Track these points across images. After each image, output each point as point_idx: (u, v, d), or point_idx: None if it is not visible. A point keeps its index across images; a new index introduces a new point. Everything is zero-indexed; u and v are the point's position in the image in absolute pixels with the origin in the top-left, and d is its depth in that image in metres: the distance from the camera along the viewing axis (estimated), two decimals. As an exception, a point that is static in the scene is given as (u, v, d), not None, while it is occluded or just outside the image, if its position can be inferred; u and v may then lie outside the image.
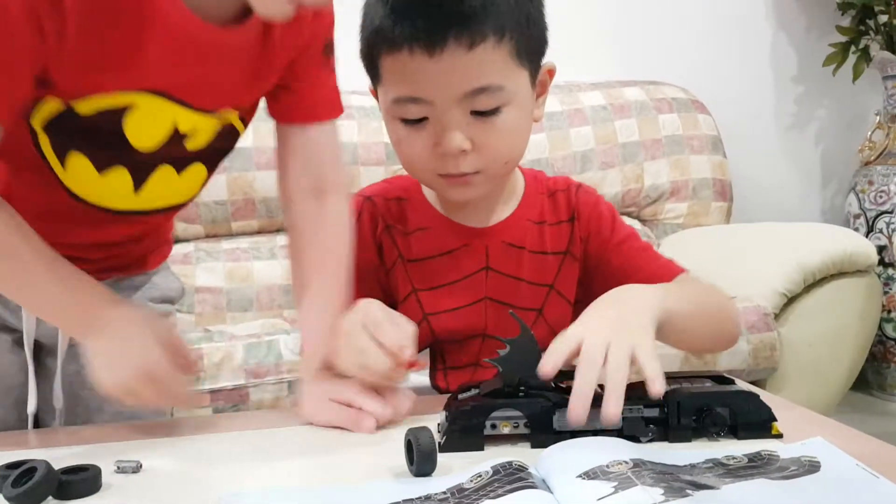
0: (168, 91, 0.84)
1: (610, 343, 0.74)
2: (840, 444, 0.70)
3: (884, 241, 2.57)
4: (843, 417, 0.92)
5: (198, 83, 0.85)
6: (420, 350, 1.01)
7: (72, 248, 0.93)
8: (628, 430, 0.74)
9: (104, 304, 0.85)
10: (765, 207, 2.78)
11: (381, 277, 1.02)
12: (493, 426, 0.76)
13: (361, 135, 2.31)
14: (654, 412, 0.75)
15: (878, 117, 2.71)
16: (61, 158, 0.86)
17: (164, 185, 0.91)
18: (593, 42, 2.72)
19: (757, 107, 2.90)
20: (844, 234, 2.11)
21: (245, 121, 0.95)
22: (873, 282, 2.08)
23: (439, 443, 0.74)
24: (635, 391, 0.74)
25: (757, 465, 0.67)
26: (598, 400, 0.73)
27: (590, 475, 0.62)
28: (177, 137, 0.87)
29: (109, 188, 0.88)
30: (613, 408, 0.71)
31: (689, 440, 0.75)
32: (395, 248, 1.02)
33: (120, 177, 0.88)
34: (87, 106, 0.82)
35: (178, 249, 2.10)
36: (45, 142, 0.85)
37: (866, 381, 2.67)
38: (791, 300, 1.99)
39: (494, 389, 0.78)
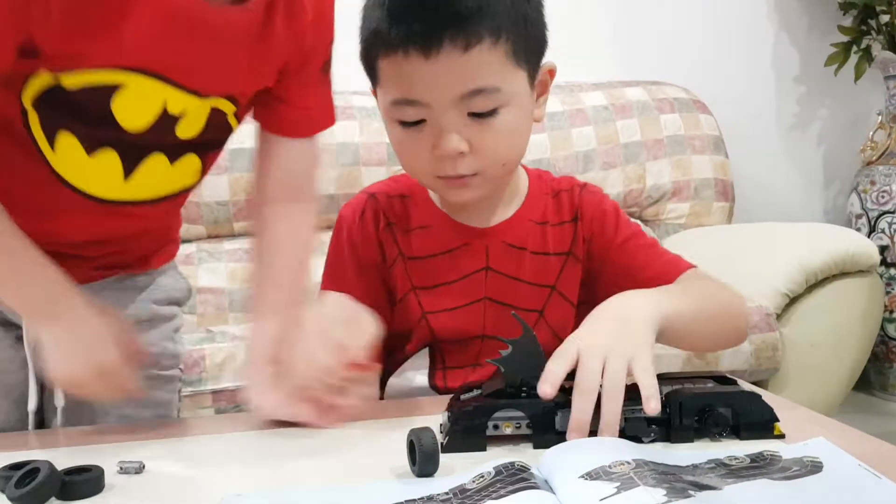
0: (157, 70, 0.83)
1: (607, 357, 0.74)
2: (842, 445, 0.70)
3: (886, 241, 2.57)
4: (846, 418, 0.92)
5: (188, 62, 0.84)
6: (419, 350, 1.01)
7: (67, 247, 0.93)
8: (630, 431, 0.74)
9: (65, 291, 0.85)
10: (767, 207, 2.78)
11: (383, 274, 1.02)
12: (496, 427, 0.76)
13: (363, 135, 2.31)
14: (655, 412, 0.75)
15: (880, 117, 2.71)
16: (50, 139, 0.85)
17: (155, 175, 0.90)
18: (595, 42, 2.72)
19: (759, 107, 2.90)
20: (846, 235, 2.11)
21: (238, 117, 0.94)
22: (875, 282, 2.08)
23: (441, 443, 0.75)
24: (637, 391, 0.74)
25: (759, 466, 0.67)
26: (598, 401, 0.73)
27: (592, 476, 0.62)
28: (167, 119, 0.86)
29: (99, 172, 0.88)
30: (610, 428, 0.72)
31: (692, 440, 0.75)
32: (395, 246, 1.02)
33: (109, 160, 0.87)
34: (76, 80, 0.81)
35: (180, 250, 2.10)
36: (34, 120, 0.84)
37: (868, 381, 2.66)
38: (793, 300, 1.99)
39: (496, 390, 0.78)
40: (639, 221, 2.53)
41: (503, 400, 0.77)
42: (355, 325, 0.82)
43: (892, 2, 2.62)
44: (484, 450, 0.75)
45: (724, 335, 0.98)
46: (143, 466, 0.74)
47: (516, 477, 0.63)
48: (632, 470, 0.62)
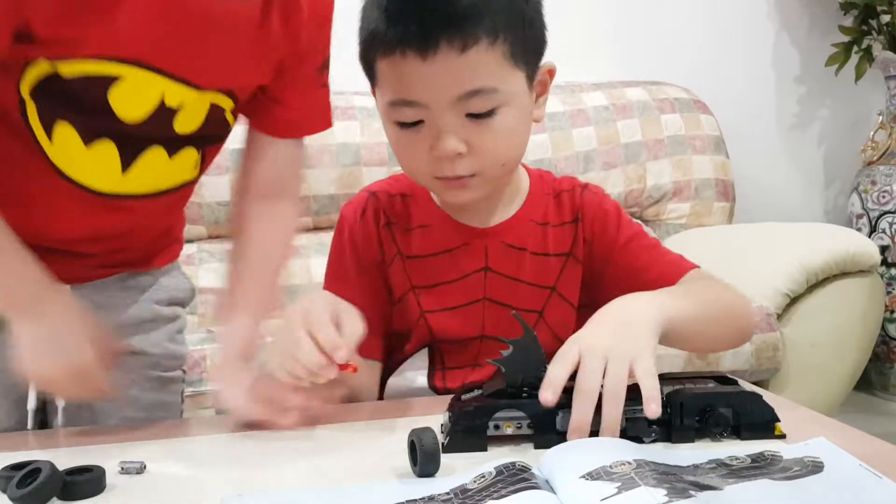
0: (154, 63, 0.83)
1: (609, 359, 0.74)
2: (843, 445, 0.70)
3: (887, 241, 2.57)
4: (846, 418, 0.92)
5: (185, 53, 0.84)
6: (418, 350, 1.01)
7: (67, 244, 0.93)
8: (631, 431, 0.74)
9: (47, 289, 0.85)
10: (767, 207, 2.78)
11: (384, 273, 1.02)
12: (497, 427, 0.76)
13: (364, 135, 2.31)
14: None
15: (880, 117, 2.71)
16: (48, 130, 0.85)
17: (154, 168, 0.90)
18: (595, 42, 2.73)
19: (759, 107, 2.90)
20: (847, 235, 2.11)
21: (235, 115, 0.95)
22: (876, 282, 2.08)
23: (443, 443, 0.75)
24: (639, 391, 0.74)
25: (760, 466, 0.67)
26: (599, 401, 0.73)
27: (593, 476, 0.62)
28: (164, 112, 0.86)
29: (96, 164, 0.87)
30: (610, 430, 0.72)
31: (692, 440, 0.75)
32: (394, 245, 1.02)
33: (107, 152, 0.87)
34: (72, 68, 0.81)
35: (187, 253, 2.10)
36: (32, 111, 0.84)
37: (869, 381, 2.66)
38: (794, 300, 1.99)
39: (497, 390, 0.78)
40: (639, 221, 2.53)
41: (504, 400, 0.77)
42: (344, 322, 0.81)
43: (892, 2, 2.62)
44: (485, 450, 0.75)
45: (729, 336, 0.98)
46: (145, 467, 0.74)
47: (517, 477, 0.63)
48: (633, 470, 0.62)
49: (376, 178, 1.89)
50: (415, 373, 1.01)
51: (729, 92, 2.76)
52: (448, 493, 0.64)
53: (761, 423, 0.76)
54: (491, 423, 0.76)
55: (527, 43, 0.91)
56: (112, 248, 0.98)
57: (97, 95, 0.83)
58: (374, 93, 0.96)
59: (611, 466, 0.63)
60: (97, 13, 0.78)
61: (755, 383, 1.02)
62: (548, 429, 0.75)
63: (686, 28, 2.80)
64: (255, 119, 0.98)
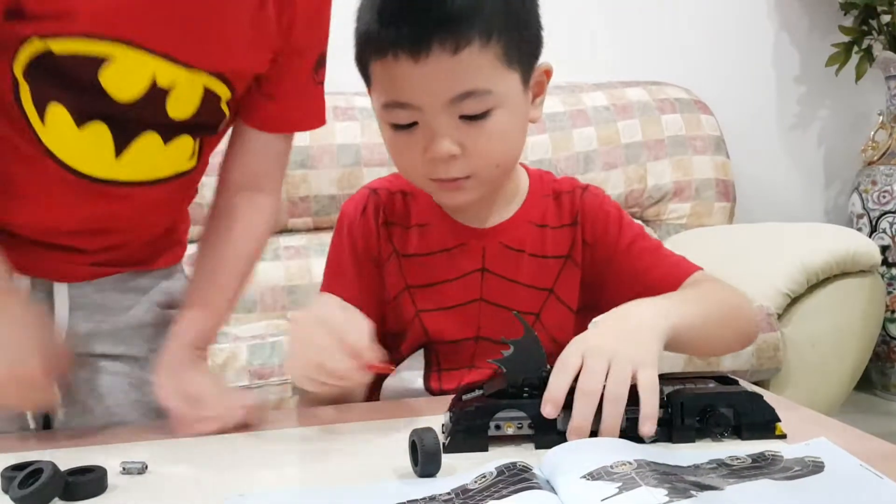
0: (144, 43, 0.83)
1: (612, 360, 0.74)
2: (844, 445, 0.70)
3: (887, 241, 2.57)
4: (847, 417, 0.92)
5: (176, 31, 0.84)
6: (414, 351, 1.01)
7: (63, 236, 0.92)
8: (632, 431, 0.74)
9: (3, 294, 0.85)
10: (768, 208, 2.78)
11: (380, 270, 1.02)
12: (498, 427, 0.76)
13: (364, 136, 2.31)
14: (657, 412, 0.75)
15: (881, 117, 2.71)
16: (41, 112, 0.85)
17: (148, 154, 0.90)
18: (596, 42, 2.73)
19: (759, 107, 2.90)
20: (848, 234, 2.11)
21: (231, 107, 0.94)
22: (877, 282, 2.08)
23: (444, 443, 0.75)
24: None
25: (760, 466, 0.67)
26: (600, 402, 0.73)
27: (594, 476, 0.62)
28: (157, 92, 0.86)
29: (89, 147, 0.87)
30: (610, 433, 0.72)
31: (693, 440, 0.75)
32: (390, 243, 1.02)
33: (100, 134, 0.87)
34: (64, 46, 0.81)
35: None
36: (25, 92, 0.84)
37: (870, 381, 2.66)
38: (794, 300, 1.99)
39: (498, 390, 0.78)
40: (640, 222, 2.53)
41: (505, 400, 0.77)
42: (356, 324, 0.81)
43: (893, 2, 2.62)
44: (486, 450, 0.75)
45: (733, 339, 0.98)
46: (146, 467, 0.74)
47: (518, 477, 0.63)
48: (633, 470, 0.62)
49: (377, 178, 1.90)
50: (411, 374, 1.01)
51: (729, 92, 2.77)
52: (449, 494, 0.64)
53: (762, 423, 0.76)
54: (492, 424, 0.76)
55: (521, 44, 0.91)
56: (109, 245, 0.97)
57: (89, 75, 0.83)
58: (370, 94, 0.96)
59: (612, 466, 0.63)
60: None
61: (756, 383, 1.02)
62: (549, 429, 0.75)
63: (686, 28, 2.80)
64: (247, 113, 0.98)
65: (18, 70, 0.83)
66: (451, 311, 1.00)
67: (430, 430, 0.69)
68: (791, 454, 0.69)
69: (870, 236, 2.54)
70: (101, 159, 0.88)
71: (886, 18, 2.68)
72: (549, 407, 0.74)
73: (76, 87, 0.84)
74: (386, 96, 0.90)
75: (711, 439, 0.76)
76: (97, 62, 0.83)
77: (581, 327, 1.04)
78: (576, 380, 0.74)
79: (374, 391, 1.02)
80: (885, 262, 2.52)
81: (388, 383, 1.02)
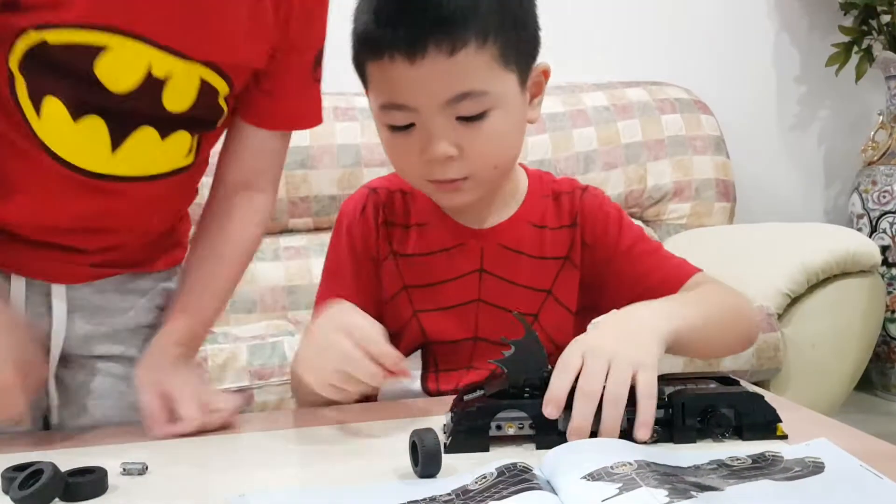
0: (140, 32, 0.83)
1: (612, 361, 0.74)
2: (844, 445, 0.70)
3: (887, 241, 2.57)
4: (847, 418, 0.92)
5: (172, 20, 0.84)
6: (411, 352, 1.01)
7: (60, 235, 0.92)
8: (632, 432, 0.74)
9: None
10: (768, 208, 2.78)
11: (378, 270, 1.02)
12: (499, 427, 0.76)
13: (364, 136, 2.31)
14: (658, 413, 0.75)
15: (881, 117, 2.71)
16: (37, 106, 0.85)
17: (144, 149, 0.89)
18: (596, 43, 2.73)
19: (760, 107, 2.90)
20: (848, 235, 2.11)
21: (229, 103, 0.94)
22: (877, 282, 2.08)
23: (445, 443, 0.75)
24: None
25: (761, 466, 0.67)
26: (600, 402, 0.73)
27: (594, 476, 0.62)
28: (152, 83, 0.86)
29: (85, 140, 0.87)
30: (609, 434, 0.72)
31: (694, 441, 0.75)
32: (388, 243, 1.01)
33: (96, 128, 0.86)
34: (59, 36, 0.81)
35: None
36: (21, 85, 0.84)
37: (870, 381, 2.66)
38: (794, 300, 1.99)
39: (500, 390, 0.78)
40: (640, 222, 2.53)
41: (506, 400, 0.77)
42: (376, 333, 0.81)
43: (892, 2, 2.62)
44: (487, 450, 0.75)
45: (734, 341, 0.98)
46: (146, 468, 0.74)
47: (519, 478, 0.63)
48: (634, 471, 0.62)
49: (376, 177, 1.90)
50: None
51: (729, 92, 2.77)
52: (450, 494, 0.64)
53: (763, 423, 0.76)
54: (493, 424, 0.76)
55: (518, 44, 0.90)
56: (108, 245, 0.97)
57: (84, 66, 0.83)
58: (367, 95, 0.96)
59: (612, 467, 0.63)
60: None
61: (756, 383, 1.02)
62: (550, 429, 0.75)
63: (686, 28, 2.80)
64: (244, 109, 0.98)
65: (14, 63, 0.83)
66: (448, 311, 1.00)
67: (430, 430, 0.70)
68: (791, 454, 0.69)
69: (870, 236, 2.54)
70: (97, 154, 0.88)
71: (886, 18, 2.68)
72: (551, 408, 0.74)
73: (71, 78, 0.84)
74: (382, 98, 0.90)
75: (712, 440, 0.76)
76: (92, 52, 0.82)
77: (580, 329, 1.03)
78: (577, 380, 0.74)
79: (371, 392, 1.02)
80: (885, 262, 2.52)
81: (386, 384, 1.02)
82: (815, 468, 0.66)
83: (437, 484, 0.67)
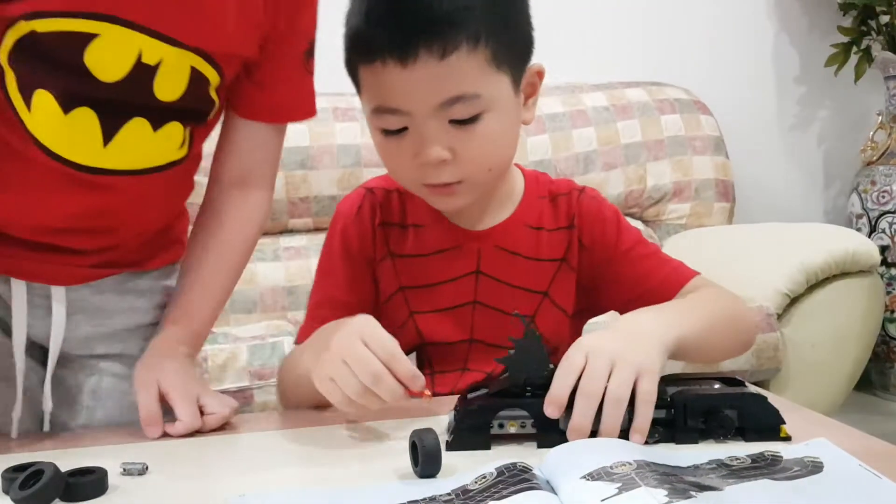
0: (130, 17, 0.83)
1: (615, 363, 0.74)
2: (843, 445, 0.70)
3: (886, 241, 2.57)
4: (847, 418, 0.92)
5: (162, 5, 0.84)
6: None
7: (56, 235, 0.91)
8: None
9: None
10: (767, 208, 2.78)
11: (374, 270, 1.02)
12: (501, 425, 0.76)
13: (364, 136, 2.31)
14: (660, 413, 0.75)
15: (880, 117, 2.71)
16: (27, 99, 0.84)
17: (137, 141, 0.89)
18: (596, 43, 2.73)
19: (759, 107, 2.90)
20: (847, 235, 2.11)
21: (220, 94, 0.94)
22: (876, 282, 2.08)
23: (447, 441, 0.75)
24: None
25: (760, 466, 0.67)
26: (601, 404, 0.73)
27: (594, 476, 0.62)
28: (143, 71, 0.85)
29: (76, 133, 0.86)
30: (609, 435, 0.72)
31: (697, 442, 0.75)
32: (385, 244, 1.01)
33: (87, 120, 0.86)
34: (48, 25, 0.81)
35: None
36: (10, 79, 0.84)
37: (870, 381, 2.67)
38: (794, 300, 1.99)
39: (502, 389, 0.78)
40: (640, 222, 2.53)
41: (508, 399, 0.77)
42: (399, 350, 0.79)
43: (892, 2, 2.62)
44: (488, 448, 0.75)
45: (732, 347, 0.98)
46: (147, 468, 0.74)
47: (518, 478, 0.63)
48: (633, 470, 0.62)
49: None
50: None
51: (729, 93, 2.77)
52: (449, 494, 0.64)
53: (767, 425, 0.75)
54: (495, 422, 0.76)
55: (511, 46, 0.90)
56: (105, 245, 0.96)
57: (74, 56, 0.82)
58: (360, 98, 0.96)
59: (611, 467, 0.63)
60: None
61: (755, 383, 1.02)
62: (551, 428, 0.75)
63: (686, 29, 2.80)
64: (237, 103, 0.98)
65: (3, 57, 0.83)
66: (445, 312, 1.00)
67: (430, 430, 0.70)
68: (790, 454, 0.69)
69: (869, 236, 2.54)
70: (89, 147, 0.87)
71: (885, 19, 2.68)
72: (552, 408, 0.74)
73: (61, 70, 0.83)
74: (375, 102, 0.90)
75: (715, 441, 0.75)
76: (82, 41, 0.82)
77: (576, 331, 1.04)
78: (579, 380, 0.74)
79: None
80: (884, 262, 2.52)
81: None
82: (815, 468, 0.66)
83: (437, 484, 0.67)
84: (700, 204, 2.54)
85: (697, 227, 2.52)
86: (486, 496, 0.62)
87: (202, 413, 0.87)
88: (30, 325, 0.95)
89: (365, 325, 0.80)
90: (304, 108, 1.01)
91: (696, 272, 0.99)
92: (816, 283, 2.00)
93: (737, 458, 0.69)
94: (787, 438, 0.75)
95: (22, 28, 0.81)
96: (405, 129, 0.89)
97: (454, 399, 0.81)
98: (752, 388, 0.81)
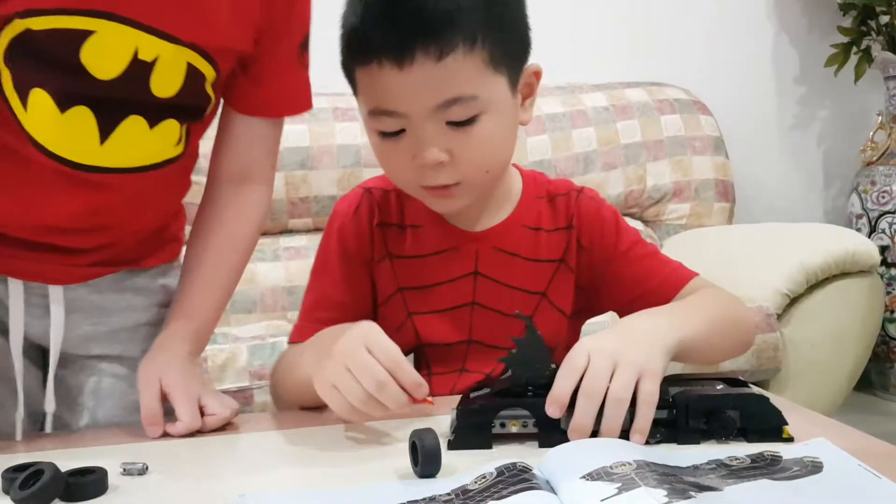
0: (127, 14, 0.82)
1: (618, 364, 0.74)
2: (843, 445, 0.70)
3: (886, 242, 2.57)
4: (846, 418, 0.92)
5: (157, 1, 0.84)
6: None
7: (54, 235, 0.91)
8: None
9: None
10: (767, 208, 2.78)
11: (372, 271, 1.02)
12: (503, 425, 0.76)
13: (364, 136, 2.28)
14: (662, 414, 0.75)
15: (879, 118, 2.71)
16: (23, 99, 0.84)
17: (133, 139, 0.89)
18: (596, 43, 2.73)
19: (759, 107, 2.90)
20: (847, 235, 2.11)
21: (216, 89, 0.94)
22: (876, 282, 2.08)
23: (449, 440, 0.75)
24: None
25: (760, 467, 0.67)
26: (603, 404, 0.73)
27: (593, 476, 0.62)
28: (139, 68, 0.85)
29: (72, 132, 0.86)
30: (610, 435, 0.72)
31: (699, 443, 0.75)
32: (384, 245, 1.01)
33: (84, 119, 0.86)
34: (43, 23, 0.81)
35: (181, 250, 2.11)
36: (6, 79, 0.84)
37: (869, 381, 2.67)
38: (794, 300, 1.99)
39: (504, 389, 0.78)
40: (640, 222, 2.53)
41: (510, 399, 0.77)
42: (403, 358, 0.79)
43: (892, 2, 2.62)
44: (490, 447, 0.76)
45: (732, 348, 0.98)
46: (147, 468, 0.74)
47: (518, 478, 0.63)
48: (633, 470, 0.62)
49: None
50: None
51: (729, 93, 2.77)
52: (449, 494, 0.64)
53: (769, 426, 0.75)
54: (497, 422, 0.76)
55: (507, 47, 0.89)
56: (103, 243, 0.96)
57: (69, 54, 0.82)
58: (357, 100, 0.95)
59: (611, 467, 0.63)
60: None
61: (755, 384, 1.02)
62: (553, 428, 0.75)
63: (686, 29, 2.80)
64: (233, 98, 0.98)
65: None
66: (443, 314, 0.99)
67: (430, 430, 0.70)
68: (790, 454, 0.69)
69: (869, 236, 2.54)
70: (86, 145, 0.87)
71: (885, 19, 2.68)
72: (554, 408, 0.74)
73: (57, 68, 0.83)
74: (372, 104, 0.90)
75: (717, 441, 0.75)
76: (77, 38, 0.82)
77: (574, 331, 1.04)
78: (581, 380, 0.75)
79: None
80: (884, 263, 2.52)
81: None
82: (814, 468, 0.66)
83: (437, 484, 0.67)
84: (700, 204, 2.54)
85: (697, 228, 2.52)
86: (486, 496, 0.62)
87: (203, 413, 0.87)
88: (27, 324, 0.95)
89: (369, 333, 0.79)
90: (300, 101, 1.01)
91: (694, 273, 0.99)
92: (816, 284, 2.00)
93: (736, 459, 0.69)
94: (790, 439, 0.74)
95: (17, 26, 0.81)
96: (402, 131, 0.89)
97: (453, 399, 0.81)
98: (755, 389, 0.81)
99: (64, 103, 0.85)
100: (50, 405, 0.97)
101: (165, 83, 0.88)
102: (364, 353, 0.77)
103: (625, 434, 0.73)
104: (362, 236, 1.01)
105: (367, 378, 0.76)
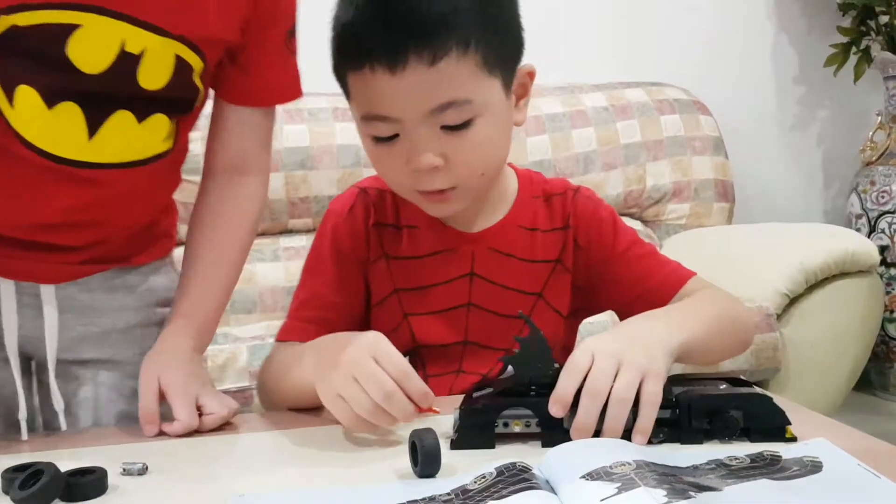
0: (113, 6, 0.82)
1: (621, 364, 0.74)
2: (843, 445, 0.70)
3: (886, 241, 2.57)
4: (846, 418, 0.92)
5: None
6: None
7: (44, 232, 0.90)
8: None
9: None
10: (767, 208, 2.78)
11: (366, 271, 1.01)
12: (506, 424, 0.76)
13: (364, 137, 2.31)
14: (665, 413, 0.75)
15: (879, 118, 2.71)
16: (9, 95, 0.83)
17: (122, 134, 0.88)
18: (595, 44, 2.73)
19: (758, 107, 2.90)
20: (846, 235, 2.11)
21: (204, 81, 0.93)
22: (875, 282, 2.08)
23: (452, 440, 0.75)
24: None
25: (759, 466, 0.68)
26: (605, 404, 0.73)
27: (593, 476, 0.62)
28: (126, 61, 0.85)
29: (60, 128, 0.85)
30: (612, 435, 0.72)
31: (702, 443, 0.75)
32: (380, 245, 1.01)
33: (71, 115, 0.85)
34: (29, 18, 0.80)
35: (181, 252, 2.10)
36: None
37: (869, 381, 2.67)
38: (793, 300, 1.99)
39: (507, 388, 0.78)
40: (639, 222, 2.53)
41: (512, 398, 0.77)
42: (409, 367, 0.78)
43: (891, 2, 2.62)
44: (492, 447, 0.75)
45: (732, 348, 0.98)
46: (146, 468, 0.74)
47: (518, 477, 0.63)
48: (633, 470, 0.62)
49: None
50: None
51: (728, 93, 2.77)
52: (449, 494, 0.64)
53: (772, 426, 0.75)
54: (499, 421, 0.76)
55: (501, 49, 0.89)
56: (93, 240, 0.96)
57: (56, 48, 0.82)
58: (350, 105, 0.95)
59: (611, 467, 0.63)
60: None
61: (755, 384, 1.02)
62: (556, 428, 0.75)
63: (685, 29, 2.80)
64: (224, 89, 0.97)
65: None
66: (439, 315, 0.99)
67: (429, 430, 0.70)
68: (790, 454, 0.69)
69: (868, 236, 2.54)
70: (74, 141, 0.86)
71: (885, 19, 2.68)
72: (557, 407, 0.74)
73: (44, 64, 0.83)
74: (364, 109, 0.89)
75: (720, 441, 0.75)
76: (64, 32, 0.82)
77: (571, 332, 1.03)
78: (584, 380, 0.74)
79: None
80: (883, 263, 2.52)
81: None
82: (814, 468, 0.66)
83: (437, 484, 0.67)
84: (699, 204, 2.54)
85: (697, 228, 2.52)
86: (486, 496, 0.62)
87: (201, 413, 0.87)
88: (20, 325, 0.94)
89: (376, 343, 0.78)
90: (290, 89, 1.01)
91: (693, 273, 0.99)
92: (816, 284, 2.00)
93: (736, 458, 0.69)
94: (794, 439, 0.74)
95: (2, 23, 0.80)
96: (396, 135, 0.88)
97: (452, 400, 0.81)
98: (758, 389, 0.81)
99: (51, 99, 0.84)
100: (58, 403, 0.96)
101: (153, 76, 0.87)
102: (371, 363, 0.76)
103: (627, 434, 0.73)
104: (357, 236, 1.01)
105: (375, 388, 0.75)
